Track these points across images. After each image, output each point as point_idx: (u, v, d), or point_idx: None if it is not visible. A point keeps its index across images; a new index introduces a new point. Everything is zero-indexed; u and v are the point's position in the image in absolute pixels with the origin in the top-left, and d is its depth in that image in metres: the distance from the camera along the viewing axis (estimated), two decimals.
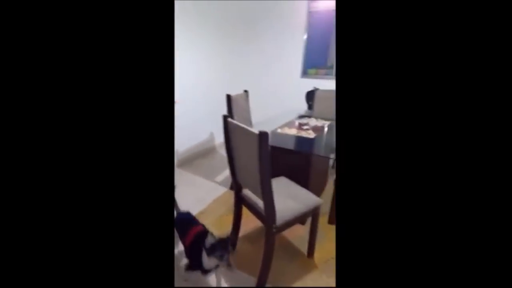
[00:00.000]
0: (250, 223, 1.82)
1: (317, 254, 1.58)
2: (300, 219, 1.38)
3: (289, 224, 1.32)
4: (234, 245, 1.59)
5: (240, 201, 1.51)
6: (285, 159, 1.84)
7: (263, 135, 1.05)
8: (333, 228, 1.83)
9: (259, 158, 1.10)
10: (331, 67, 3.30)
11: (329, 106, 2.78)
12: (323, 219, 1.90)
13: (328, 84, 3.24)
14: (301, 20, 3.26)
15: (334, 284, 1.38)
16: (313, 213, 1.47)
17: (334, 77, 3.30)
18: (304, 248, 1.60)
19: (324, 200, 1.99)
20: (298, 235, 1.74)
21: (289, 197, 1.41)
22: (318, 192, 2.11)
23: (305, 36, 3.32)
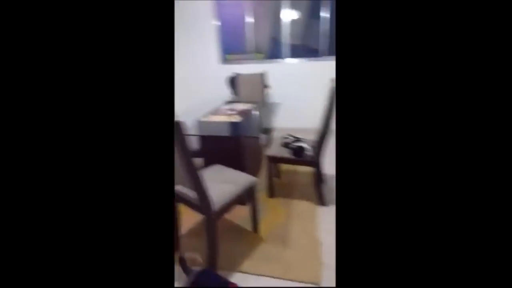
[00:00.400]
0: (192, 218, 1.77)
1: (261, 228, 1.66)
2: (237, 201, 1.41)
3: (227, 207, 1.34)
4: (176, 247, 1.52)
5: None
6: (217, 146, 1.83)
7: (177, 125, 1.01)
8: (272, 200, 1.95)
9: (179, 149, 1.06)
10: (250, 52, 3.38)
11: (253, 89, 2.87)
12: (262, 194, 2.00)
13: (249, 69, 3.32)
14: (208, 7, 3.19)
15: (280, 253, 1.49)
16: (250, 192, 1.52)
17: (254, 61, 3.40)
18: (248, 226, 1.66)
19: (262, 177, 2.09)
20: (240, 215, 1.79)
21: (224, 182, 1.42)
22: (255, 171, 2.19)
23: (217, 23, 3.27)
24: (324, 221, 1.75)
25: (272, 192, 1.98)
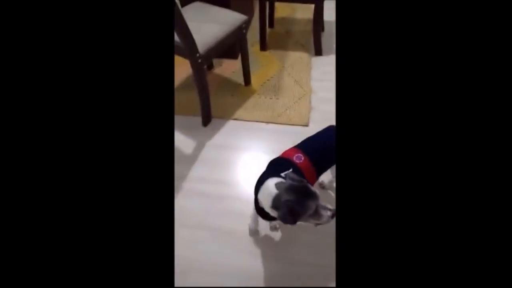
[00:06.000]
0: (181, 72, 1.68)
1: (254, 81, 1.62)
2: (226, 44, 1.26)
3: (214, 51, 1.21)
4: None
5: None
6: None
7: None
8: (265, 54, 1.80)
9: None
10: None
11: None
12: (255, 48, 1.82)
13: None
14: None
15: (272, 102, 1.52)
16: (240, 37, 1.34)
17: None
18: (241, 80, 1.61)
19: (254, 29, 1.83)
20: (233, 70, 1.70)
21: (208, 21, 1.21)
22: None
23: None
24: (318, 70, 1.69)
25: (264, 44, 1.79)
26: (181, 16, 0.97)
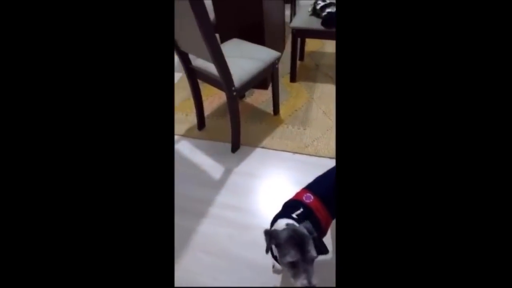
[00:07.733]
0: (215, 101, 1.79)
1: (282, 111, 1.67)
2: (259, 78, 1.34)
3: (248, 84, 1.29)
4: (203, 124, 1.61)
5: (192, 74, 1.39)
6: (233, 19, 1.59)
7: None
8: (295, 85, 1.86)
9: (198, 17, 0.90)
10: None
11: None
12: (285, 79, 1.90)
13: None
14: None
15: (300, 132, 1.54)
16: (272, 71, 1.41)
17: None
18: (270, 109, 1.67)
19: (284, 61, 1.92)
20: (263, 100, 1.77)
21: (244, 57, 1.31)
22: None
23: None
24: None
25: (294, 76, 1.86)
26: (221, 53, 1.07)
